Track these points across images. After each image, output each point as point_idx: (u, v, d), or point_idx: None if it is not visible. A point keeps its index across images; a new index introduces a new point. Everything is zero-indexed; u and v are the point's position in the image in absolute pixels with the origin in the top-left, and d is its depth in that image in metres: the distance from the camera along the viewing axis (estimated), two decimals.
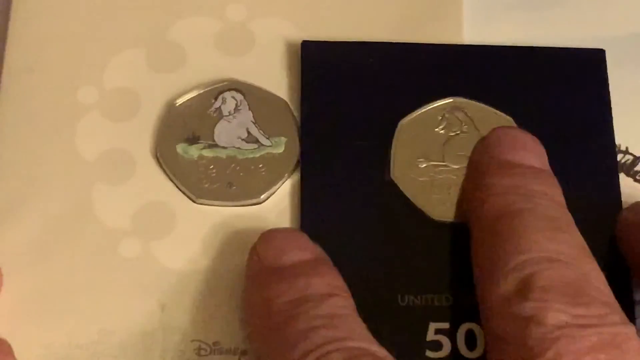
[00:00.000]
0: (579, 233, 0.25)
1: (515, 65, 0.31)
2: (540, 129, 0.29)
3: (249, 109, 0.30)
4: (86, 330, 0.27)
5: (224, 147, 0.30)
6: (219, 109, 0.30)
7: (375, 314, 0.25)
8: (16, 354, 0.27)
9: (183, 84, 0.31)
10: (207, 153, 0.30)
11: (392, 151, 0.29)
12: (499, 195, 0.25)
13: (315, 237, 0.27)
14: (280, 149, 0.30)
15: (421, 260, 0.28)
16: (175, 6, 0.32)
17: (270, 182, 0.29)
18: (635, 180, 0.30)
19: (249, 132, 0.30)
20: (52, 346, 0.27)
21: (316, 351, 0.22)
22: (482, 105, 0.30)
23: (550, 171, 0.27)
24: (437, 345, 0.27)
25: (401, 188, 0.29)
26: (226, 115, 0.30)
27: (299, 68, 0.31)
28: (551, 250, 0.24)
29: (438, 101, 0.30)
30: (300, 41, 0.31)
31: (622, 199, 0.29)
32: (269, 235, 0.26)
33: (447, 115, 0.30)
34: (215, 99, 0.30)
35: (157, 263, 0.28)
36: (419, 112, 0.30)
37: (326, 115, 0.30)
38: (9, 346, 0.26)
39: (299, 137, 0.30)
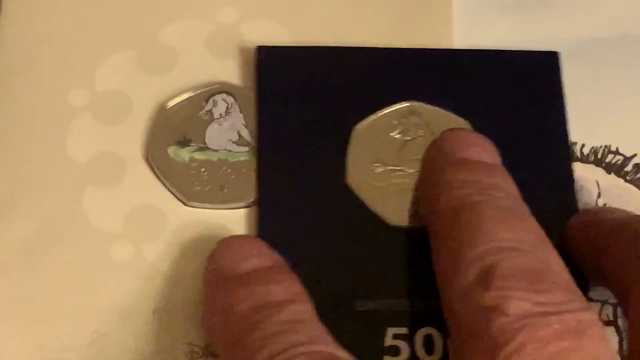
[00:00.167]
0: (536, 222, 0.25)
1: (471, 69, 0.31)
2: (495, 131, 0.29)
3: (240, 111, 0.30)
4: (78, 333, 0.27)
5: (215, 150, 0.30)
6: (210, 111, 0.30)
7: (333, 319, 0.24)
8: (8, 357, 0.27)
9: (174, 87, 0.31)
10: (199, 156, 0.30)
11: (348, 156, 0.29)
12: (454, 189, 0.25)
13: (272, 243, 0.26)
14: None
15: (378, 265, 0.28)
16: (166, 9, 0.32)
17: None
18: (626, 180, 0.30)
19: (240, 135, 0.30)
20: (44, 349, 0.27)
21: (279, 356, 0.22)
22: (438, 109, 0.30)
23: (503, 167, 0.27)
24: (395, 350, 0.27)
25: (357, 193, 0.29)
26: (217, 118, 0.30)
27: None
28: (509, 240, 0.24)
29: (394, 105, 0.30)
30: (294, 44, 0.31)
31: (614, 200, 0.30)
32: (227, 243, 0.26)
33: (402, 120, 0.30)
34: (207, 101, 0.30)
35: (149, 266, 0.28)
36: (375, 117, 0.30)
37: (283, 121, 0.30)
38: None
39: (256, 142, 0.30)
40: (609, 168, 0.31)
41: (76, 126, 0.30)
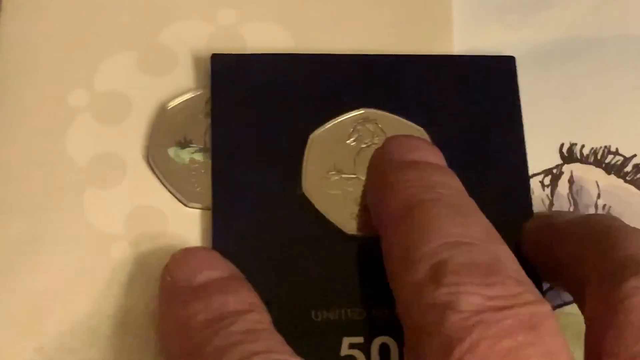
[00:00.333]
0: (485, 217, 0.25)
1: (426, 75, 0.31)
2: (451, 138, 0.29)
3: None
4: (78, 333, 0.27)
5: None
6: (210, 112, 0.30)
7: (289, 330, 0.24)
8: (8, 357, 0.27)
9: (174, 88, 0.31)
10: (199, 157, 0.30)
11: (304, 164, 0.29)
12: (402, 189, 0.25)
13: (227, 253, 0.26)
14: None
15: (334, 274, 0.28)
16: (166, 10, 0.32)
17: None
18: (626, 181, 0.31)
19: None
20: (44, 350, 0.27)
21: None
22: (394, 116, 0.30)
23: (448, 167, 0.27)
24: None
25: (313, 202, 0.29)
26: None
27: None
28: (460, 235, 0.23)
29: (349, 113, 0.30)
30: (294, 45, 0.31)
31: (614, 201, 0.30)
32: (181, 255, 0.26)
33: (358, 127, 0.30)
34: (207, 102, 0.30)
35: (149, 266, 0.28)
36: (330, 124, 0.30)
37: (237, 128, 0.29)
38: None
39: (210, 150, 0.29)
40: (609, 168, 0.31)
41: (76, 127, 0.30)
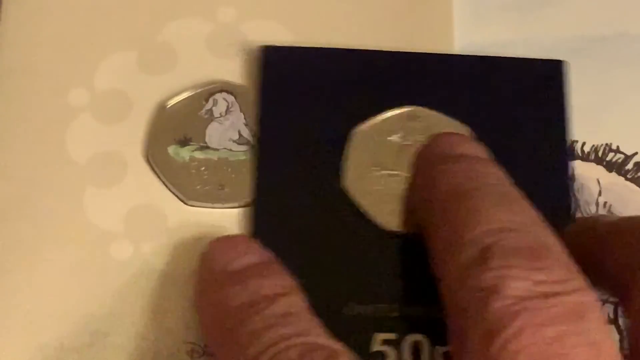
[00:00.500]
0: (530, 206, 0.25)
1: (474, 75, 0.31)
2: (496, 140, 0.28)
3: (241, 110, 0.30)
4: (79, 333, 0.27)
5: (215, 149, 0.30)
6: (210, 110, 0.30)
7: (321, 322, 0.24)
8: (9, 357, 0.27)
9: (174, 86, 0.31)
10: (199, 155, 0.30)
11: (346, 159, 0.29)
12: (448, 179, 0.25)
13: (266, 243, 0.26)
14: None
15: (370, 269, 0.28)
16: (166, 8, 0.32)
17: None
18: (627, 179, 0.30)
19: (240, 134, 0.30)
20: (44, 349, 0.27)
21: (272, 348, 0.22)
22: (439, 114, 0.30)
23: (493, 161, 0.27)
24: (382, 356, 0.27)
25: (353, 196, 0.29)
26: (217, 117, 0.30)
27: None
28: (507, 221, 0.23)
29: (395, 109, 0.30)
30: (294, 43, 0.31)
31: (615, 198, 0.29)
32: (218, 242, 0.26)
33: (403, 124, 0.30)
34: (207, 100, 0.30)
35: (149, 265, 0.28)
36: (375, 120, 0.30)
37: (284, 121, 0.30)
38: None
39: (256, 141, 0.30)
40: (610, 166, 0.31)
41: (76, 126, 0.30)
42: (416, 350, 0.27)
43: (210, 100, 0.30)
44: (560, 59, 0.31)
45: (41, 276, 0.28)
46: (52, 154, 0.30)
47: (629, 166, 0.31)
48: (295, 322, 0.23)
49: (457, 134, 0.28)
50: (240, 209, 0.29)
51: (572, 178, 0.30)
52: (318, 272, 0.28)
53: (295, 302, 0.24)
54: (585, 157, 0.31)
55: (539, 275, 0.22)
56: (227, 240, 0.26)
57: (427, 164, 0.27)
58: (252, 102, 0.30)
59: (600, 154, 0.31)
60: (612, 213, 0.30)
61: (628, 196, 0.30)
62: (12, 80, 0.31)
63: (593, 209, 0.30)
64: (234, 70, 0.31)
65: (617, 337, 0.28)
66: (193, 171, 0.29)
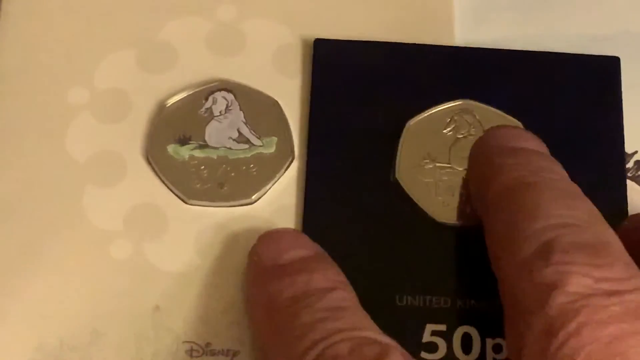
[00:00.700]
0: (590, 202, 0.25)
1: (526, 70, 0.31)
2: (549, 134, 0.28)
3: (240, 109, 0.30)
4: (78, 332, 0.27)
5: (215, 148, 0.30)
6: (209, 109, 0.30)
7: (372, 313, 0.25)
8: (7, 356, 0.27)
9: (174, 85, 0.31)
10: (198, 154, 0.30)
11: (399, 151, 0.29)
12: (508, 172, 0.25)
13: (317, 234, 0.27)
14: (272, 149, 0.30)
15: (421, 261, 0.28)
16: (166, 7, 0.32)
17: (262, 182, 0.29)
18: (628, 178, 0.30)
19: (240, 132, 0.30)
20: (44, 348, 0.27)
21: (322, 342, 0.22)
22: (491, 108, 0.30)
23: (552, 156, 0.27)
24: (432, 347, 0.27)
25: (405, 189, 0.29)
26: (217, 116, 0.30)
27: (292, 68, 0.31)
28: (567, 217, 0.23)
29: (447, 103, 0.30)
30: (294, 41, 0.31)
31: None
32: (268, 236, 0.26)
33: (455, 118, 0.30)
34: (206, 99, 0.30)
35: (149, 264, 0.28)
36: (428, 113, 0.30)
37: (335, 113, 0.30)
38: None
39: (308, 134, 0.30)
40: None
41: (76, 125, 0.30)
42: (466, 341, 0.27)
43: (210, 99, 0.30)
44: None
45: (40, 275, 0.28)
46: (51, 153, 0.30)
47: (630, 165, 0.30)
48: (345, 316, 0.23)
49: (515, 127, 0.28)
50: (240, 208, 0.29)
51: None
52: (370, 264, 0.28)
53: (345, 296, 0.24)
54: None
55: (600, 272, 0.22)
56: (276, 234, 0.26)
57: (485, 157, 0.27)
58: (252, 100, 0.30)
59: None
60: None
61: (629, 195, 0.30)
62: (12, 79, 0.31)
63: None
64: (234, 68, 0.31)
65: None
66: (193, 170, 0.29)
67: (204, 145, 0.30)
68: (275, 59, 0.31)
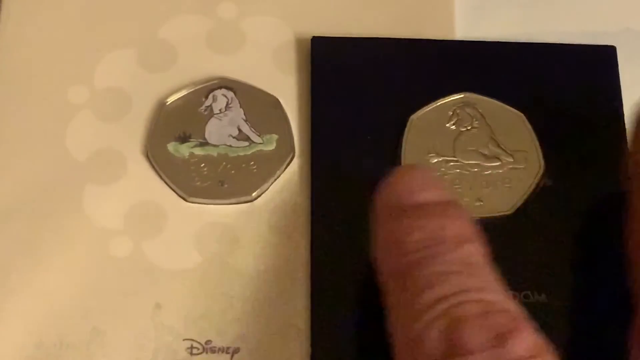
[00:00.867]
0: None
1: (526, 62, 0.31)
2: (550, 124, 0.29)
3: (240, 106, 0.30)
4: (78, 329, 0.27)
5: (215, 145, 0.30)
6: (209, 107, 0.30)
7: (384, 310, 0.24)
8: (7, 354, 0.27)
9: (174, 83, 0.31)
10: (198, 151, 0.29)
11: (403, 146, 0.29)
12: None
13: (326, 231, 0.27)
14: (272, 146, 0.30)
15: None
16: (166, 5, 0.32)
17: (262, 180, 0.29)
18: None
19: (240, 130, 0.30)
20: (43, 346, 0.27)
21: (450, 298, 0.21)
22: (493, 100, 0.30)
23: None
24: None
25: None
26: (217, 113, 0.30)
27: (292, 65, 0.31)
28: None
29: (449, 97, 0.30)
30: (294, 38, 0.31)
31: None
32: (405, 171, 0.25)
33: (458, 111, 0.30)
34: (206, 97, 0.30)
35: (149, 262, 0.28)
36: (430, 108, 0.30)
37: (337, 110, 0.30)
38: None
39: (310, 132, 0.30)
40: None
41: (76, 123, 0.30)
42: None
43: (210, 97, 0.30)
44: None
45: (40, 273, 0.28)
46: (52, 151, 0.30)
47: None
48: (476, 274, 0.22)
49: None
50: (240, 205, 0.29)
51: None
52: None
53: (478, 251, 0.22)
54: None
55: None
56: (415, 171, 0.25)
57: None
58: (252, 98, 0.30)
59: None
60: None
61: None
62: (12, 78, 0.31)
63: None
64: (234, 66, 0.31)
65: None
66: (193, 168, 0.29)
67: (204, 143, 0.30)
68: (276, 57, 0.31)
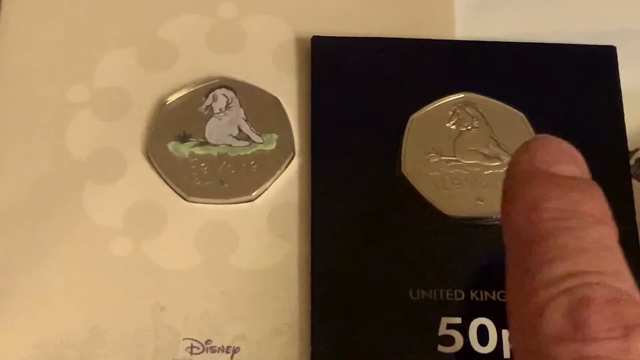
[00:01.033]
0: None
1: (526, 61, 0.31)
2: (550, 124, 0.29)
3: (240, 106, 0.30)
4: (78, 329, 0.27)
5: (215, 145, 0.30)
6: (210, 106, 0.30)
7: (387, 308, 0.25)
8: (8, 354, 0.27)
9: (174, 82, 0.31)
10: (199, 151, 0.29)
11: (403, 146, 0.29)
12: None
13: (326, 231, 0.27)
14: (272, 146, 0.30)
15: (432, 254, 0.28)
16: (166, 4, 0.32)
17: (262, 179, 0.29)
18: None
19: (240, 130, 0.30)
20: (43, 345, 0.27)
21: (579, 277, 0.20)
22: (493, 100, 0.30)
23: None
24: (449, 340, 0.27)
25: (412, 183, 0.29)
26: (217, 113, 0.30)
27: (292, 65, 0.31)
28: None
29: (449, 96, 0.30)
30: (294, 38, 0.31)
31: None
32: (547, 141, 0.24)
33: (458, 111, 0.30)
34: (206, 96, 0.30)
35: (149, 261, 0.28)
36: (430, 107, 0.30)
37: (337, 110, 0.30)
38: None
39: (310, 131, 0.30)
40: None
41: (76, 123, 0.30)
42: (482, 333, 0.27)
43: (210, 96, 0.30)
44: None
45: (40, 272, 0.28)
46: (52, 151, 0.30)
47: (631, 162, 0.30)
48: (609, 258, 0.21)
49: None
50: (241, 205, 0.29)
51: None
52: (380, 260, 0.28)
53: (612, 234, 0.21)
54: None
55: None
56: (557, 142, 0.23)
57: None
58: (252, 97, 0.30)
59: None
60: None
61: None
62: (13, 78, 0.31)
63: None
64: (234, 66, 0.31)
65: None
66: (193, 167, 0.29)
67: (204, 143, 0.30)
68: (276, 57, 0.31)
